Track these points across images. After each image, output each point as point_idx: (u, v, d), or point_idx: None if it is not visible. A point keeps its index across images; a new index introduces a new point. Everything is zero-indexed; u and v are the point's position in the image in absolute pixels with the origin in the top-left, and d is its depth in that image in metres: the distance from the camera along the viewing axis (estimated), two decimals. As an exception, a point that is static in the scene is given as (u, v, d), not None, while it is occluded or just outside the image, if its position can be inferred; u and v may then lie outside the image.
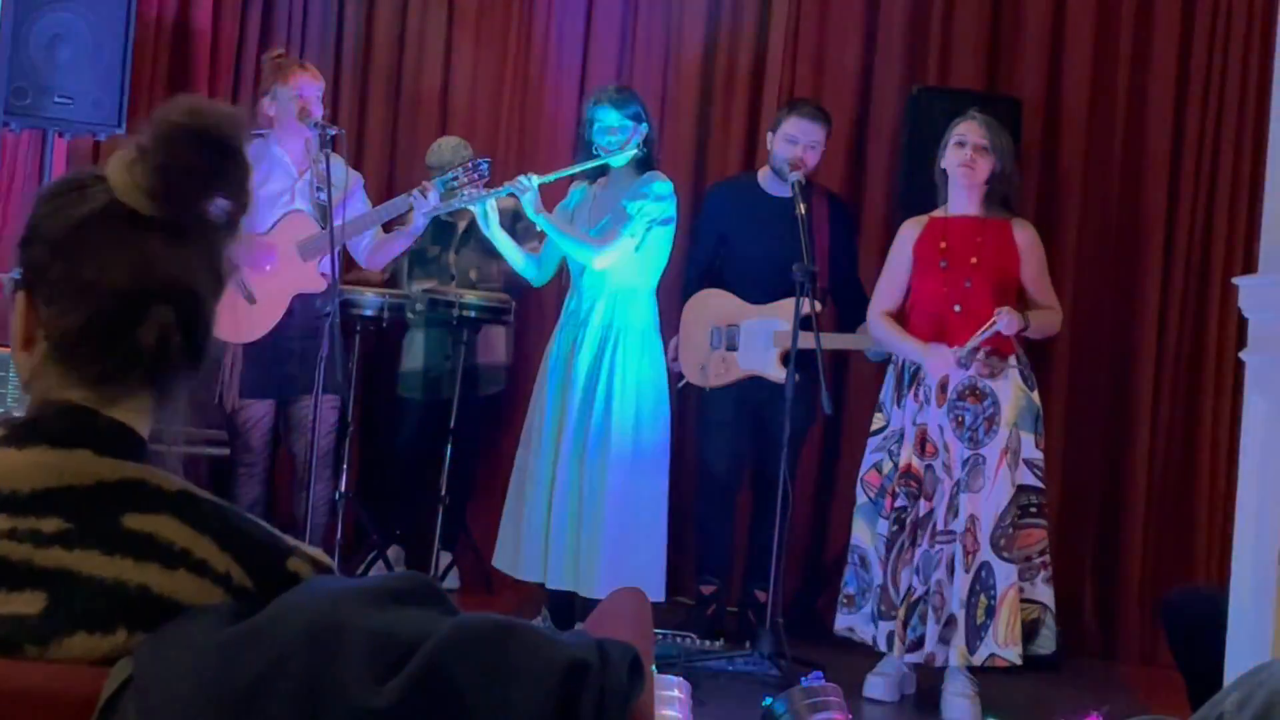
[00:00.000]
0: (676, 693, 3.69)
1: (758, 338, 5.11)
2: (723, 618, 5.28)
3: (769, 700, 3.67)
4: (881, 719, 4.43)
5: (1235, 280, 3.44)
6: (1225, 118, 5.66)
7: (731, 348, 5.14)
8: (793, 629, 4.85)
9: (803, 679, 3.71)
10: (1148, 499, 5.67)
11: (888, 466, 4.61)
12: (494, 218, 4.76)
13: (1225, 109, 5.66)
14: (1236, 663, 3.06)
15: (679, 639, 4.86)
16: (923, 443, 4.52)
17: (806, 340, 4.67)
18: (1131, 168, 5.75)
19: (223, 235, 1.36)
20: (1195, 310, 5.69)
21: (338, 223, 4.68)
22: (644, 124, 4.80)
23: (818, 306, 4.78)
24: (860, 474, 4.71)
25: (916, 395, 4.57)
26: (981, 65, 5.86)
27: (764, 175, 5.25)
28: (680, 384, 5.17)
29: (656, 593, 4.68)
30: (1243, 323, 3.44)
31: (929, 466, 4.50)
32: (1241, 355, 3.37)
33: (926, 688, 4.61)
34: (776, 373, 4.92)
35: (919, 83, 5.74)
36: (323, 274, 4.88)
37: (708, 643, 4.86)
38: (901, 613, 4.46)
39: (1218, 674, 3.10)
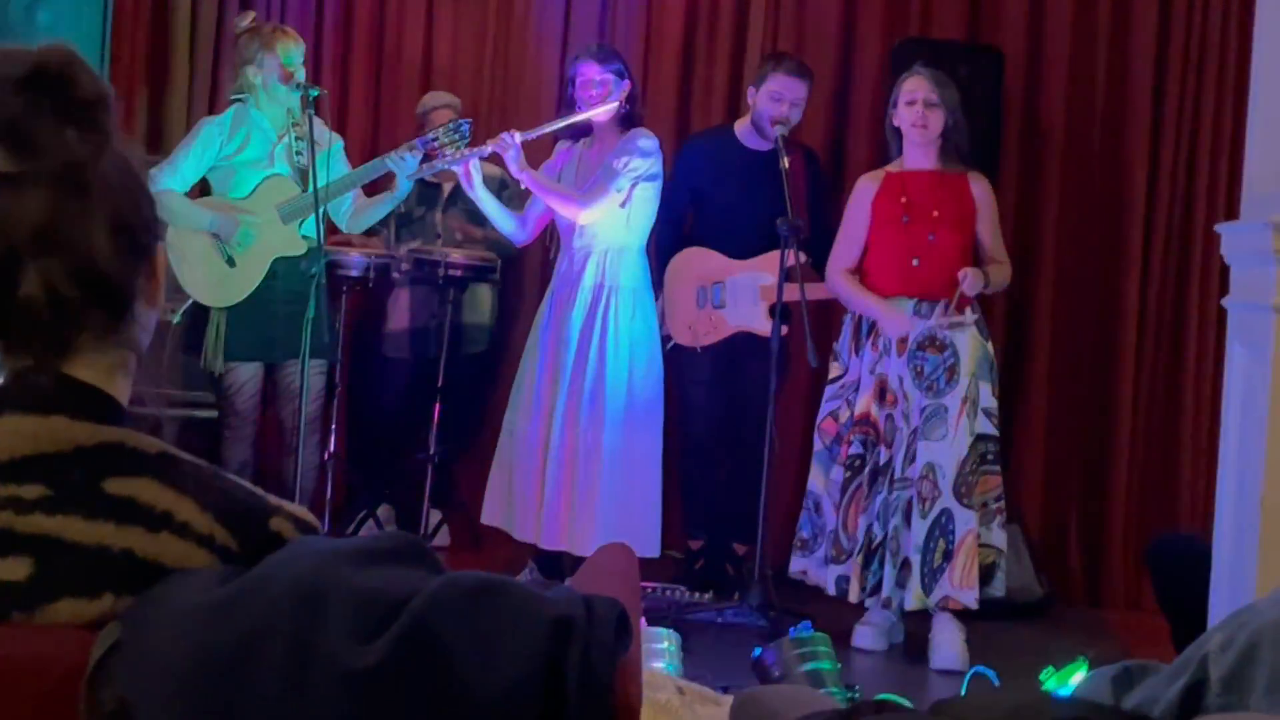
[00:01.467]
0: (666, 644, 3.73)
1: (744, 293, 5.11)
2: (711, 571, 5.32)
3: (758, 651, 3.70)
4: (870, 668, 4.47)
5: (1217, 228, 3.45)
6: (1207, 65, 5.65)
7: (718, 305, 5.15)
8: (781, 581, 4.89)
9: (791, 630, 3.74)
10: (1132, 446, 5.70)
11: (844, 414, 4.66)
12: (477, 177, 4.74)
13: (1207, 56, 5.65)
14: (1220, 607, 3.08)
15: (668, 592, 4.90)
16: (882, 392, 4.58)
17: (792, 293, 4.68)
18: (1114, 117, 5.75)
19: (95, 171, 1.30)
20: (1178, 258, 5.71)
21: (320, 184, 4.66)
22: (626, 80, 4.79)
23: (803, 258, 4.78)
24: (817, 421, 4.75)
25: (875, 345, 4.63)
26: (963, 16, 5.84)
27: (742, 129, 5.24)
28: (669, 345, 5.18)
29: (652, 548, 4.71)
30: (1225, 270, 3.45)
31: (888, 415, 4.56)
32: (1223, 303, 3.38)
33: (914, 635, 4.65)
34: (765, 327, 4.93)
35: (901, 34, 5.73)
36: (304, 237, 4.87)
37: (697, 595, 4.89)
38: (859, 558, 4.52)
39: (1202, 618, 3.12)
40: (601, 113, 4.76)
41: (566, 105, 4.89)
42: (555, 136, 4.99)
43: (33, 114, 1.28)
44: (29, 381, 1.30)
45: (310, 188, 4.66)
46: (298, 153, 4.88)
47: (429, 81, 6.11)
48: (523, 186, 4.83)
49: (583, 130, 4.85)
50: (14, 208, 1.27)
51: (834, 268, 4.79)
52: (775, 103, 5.03)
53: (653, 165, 4.77)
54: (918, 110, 4.60)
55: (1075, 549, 5.75)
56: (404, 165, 4.81)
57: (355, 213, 5.09)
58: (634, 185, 4.73)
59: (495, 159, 4.78)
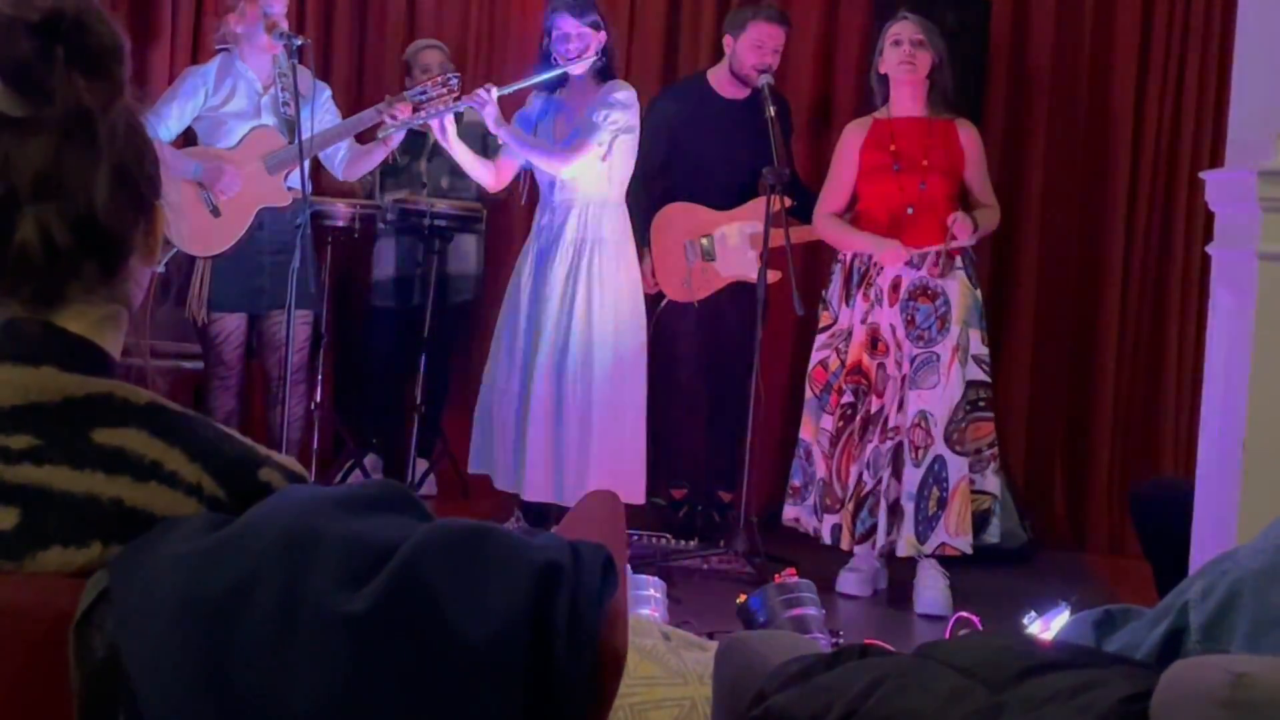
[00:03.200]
0: (652, 592, 3.76)
1: (734, 243, 5.12)
2: (695, 519, 5.35)
3: (744, 597, 3.73)
4: (855, 613, 4.50)
5: (1202, 174, 3.45)
6: (1193, 12, 5.65)
7: (709, 258, 5.15)
8: (767, 528, 4.91)
9: (776, 576, 3.77)
10: (1116, 391, 5.73)
11: (834, 363, 4.67)
12: (452, 129, 4.73)
13: (1193, 4, 5.64)
14: (1202, 551, 3.11)
15: (654, 539, 4.93)
16: (873, 341, 4.58)
17: (778, 239, 4.69)
18: (1100, 63, 5.74)
19: (103, 120, 1.30)
20: (1163, 205, 5.72)
21: (305, 136, 4.64)
22: (602, 31, 4.76)
23: (788, 202, 4.79)
24: (808, 370, 4.77)
25: (866, 294, 4.63)
26: (951, -38, 5.80)
27: (717, 77, 5.22)
28: (664, 303, 5.18)
29: (637, 495, 4.73)
30: (1210, 217, 3.46)
31: (880, 364, 4.57)
32: (1208, 249, 3.39)
33: (898, 581, 4.68)
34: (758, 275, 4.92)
35: (888, -20, 5.69)
36: (290, 189, 4.85)
37: (682, 542, 4.92)
38: (851, 506, 4.54)
39: (1184, 563, 3.15)
40: (578, 67, 4.74)
41: (542, 57, 4.86)
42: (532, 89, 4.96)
43: (44, 59, 1.27)
44: (19, 331, 1.30)
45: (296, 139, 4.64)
46: (284, 104, 4.86)
47: (413, 30, 6.07)
48: (500, 141, 4.81)
49: (559, 81, 4.83)
50: (17, 152, 1.27)
51: (821, 212, 4.79)
52: (757, 50, 5.02)
53: (631, 117, 4.76)
54: (905, 49, 4.59)
55: (1059, 494, 5.79)
56: (393, 116, 4.78)
57: (350, 160, 5.08)
58: (614, 138, 4.71)
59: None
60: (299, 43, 4.74)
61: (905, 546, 4.51)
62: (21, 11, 1.27)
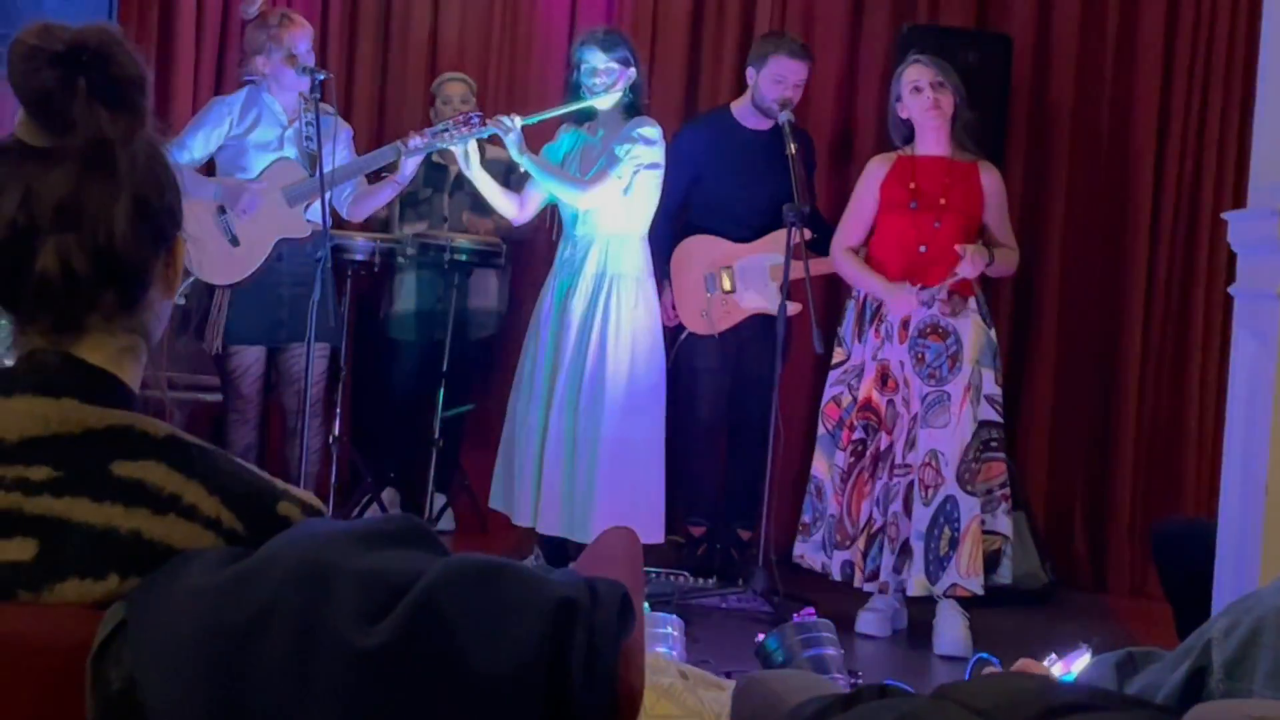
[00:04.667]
0: (670, 630, 3.73)
1: (755, 275, 5.12)
2: (714, 557, 5.33)
3: (762, 637, 3.70)
4: (874, 654, 4.47)
5: (1224, 215, 3.44)
6: (1215, 52, 5.64)
7: (730, 290, 5.15)
8: (785, 567, 4.89)
9: (795, 616, 3.74)
10: (1137, 432, 5.70)
11: (846, 400, 4.66)
12: (474, 158, 4.72)
13: (1215, 45, 5.64)
14: (1224, 593, 3.09)
15: (672, 577, 4.90)
16: (884, 378, 4.58)
17: (798, 273, 4.69)
18: (1122, 104, 5.73)
19: (124, 151, 1.31)
20: (1185, 245, 5.70)
21: (326, 169, 4.67)
22: (631, 68, 4.77)
23: (807, 234, 4.79)
24: (821, 405, 4.76)
25: (878, 331, 4.63)
26: (971, 3, 5.83)
27: (740, 109, 5.23)
28: (684, 335, 5.18)
29: (655, 534, 4.71)
30: (1232, 258, 3.45)
31: (890, 401, 4.56)
32: (1230, 290, 3.38)
33: (918, 622, 4.65)
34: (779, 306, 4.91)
35: (909, 20, 5.71)
36: (309, 221, 4.87)
37: (701, 581, 4.90)
38: (862, 543, 4.53)
39: (1206, 604, 3.13)
40: (604, 100, 4.75)
41: (570, 89, 4.87)
42: (558, 120, 4.97)
43: (66, 90, 1.28)
44: (39, 362, 1.30)
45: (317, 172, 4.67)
46: (307, 137, 4.89)
47: (436, 62, 6.11)
48: (522, 170, 4.82)
49: (587, 114, 4.85)
50: (38, 181, 1.28)
51: (838, 245, 4.79)
52: (778, 85, 5.03)
53: (656, 154, 4.76)
54: (927, 96, 4.59)
55: (1080, 535, 5.75)
56: (409, 151, 4.79)
57: (355, 199, 5.09)
58: (636, 173, 4.72)
59: (498, 140, 4.78)
60: (321, 77, 4.78)
61: (915, 586, 4.48)
62: (45, 42, 1.28)
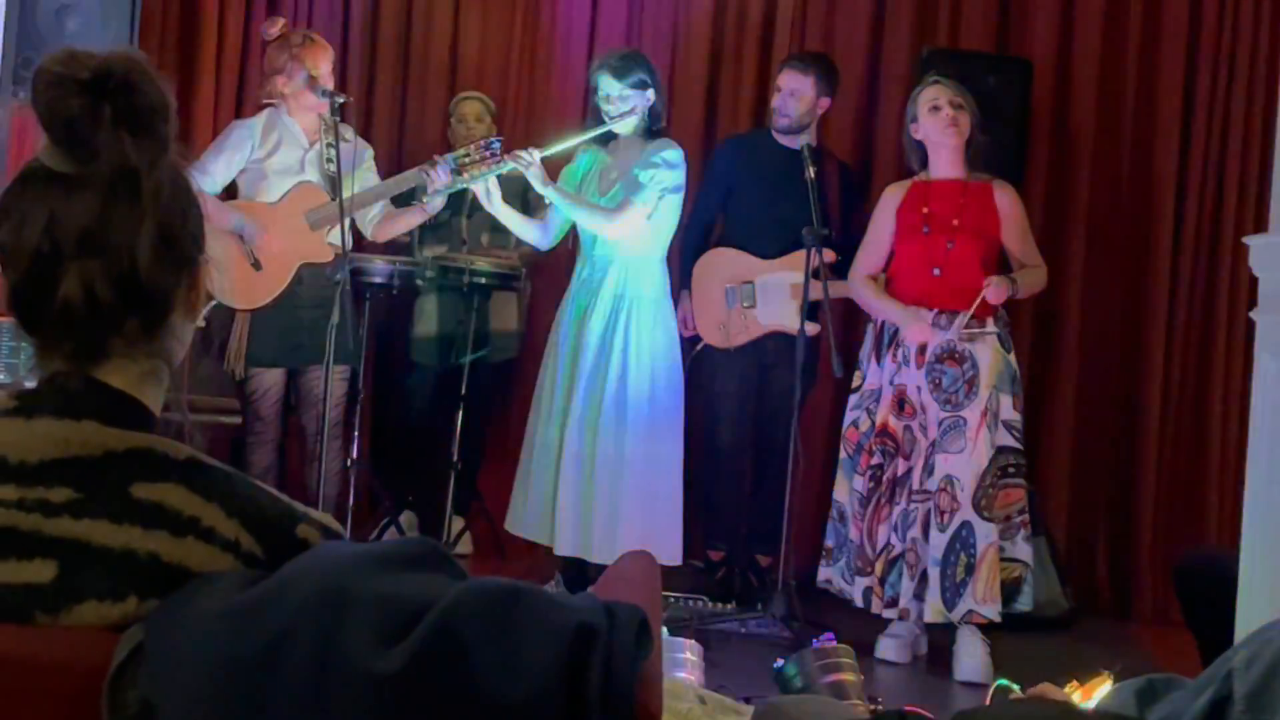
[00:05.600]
0: (689, 655, 3.72)
1: (775, 292, 5.12)
2: (733, 581, 5.31)
3: (781, 662, 3.69)
4: (894, 679, 4.45)
5: (1246, 239, 3.43)
6: (1236, 76, 5.63)
7: (749, 305, 5.15)
8: (805, 592, 4.87)
9: (814, 641, 3.72)
10: (1159, 458, 5.67)
11: (865, 424, 4.65)
12: (496, 194, 4.72)
13: (1236, 67, 5.63)
14: (1247, 621, 3.06)
15: (690, 602, 4.89)
16: (900, 403, 4.57)
17: (817, 293, 4.68)
18: (1143, 128, 5.72)
19: (148, 178, 1.32)
20: (1206, 270, 5.68)
21: (347, 194, 4.69)
22: (649, 90, 4.77)
23: (831, 256, 4.79)
24: (842, 430, 4.75)
25: (895, 355, 4.61)
26: (992, 26, 5.83)
27: (776, 130, 5.27)
28: (699, 347, 5.18)
29: (673, 556, 4.69)
30: (1253, 282, 3.43)
31: (907, 427, 4.55)
32: (1252, 315, 3.36)
33: (938, 648, 4.62)
34: (797, 325, 4.90)
35: (929, 44, 5.71)
36: (331, 245, 4.89)
37: (719, 605, 4.88)
38: (879, 569, 4.52)
39: (1229, 634, 3.10)
40: (621, 126, 4.76)
41: (591, 113, 4.88)
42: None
43: (91, 117, 1.29)
44: (61, 385, 1.31)
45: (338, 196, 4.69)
46: (328, 160, 4.91)
47: (455, 83, 6.13)
48: (547, 201, 4.83)
49: (606, 135, 4.85)
50: (63, 208, 1.29)
51: (856, 273, 4.79)
52: (776, 93, 5.13)
53: (678, 177, 4.76)
54: (945, 114, 4.59)
55: (1102, 562, 5.72)
56: (433, 179, 4.80)
57: (382, 221, 5.11)
58: (661, 197, 4.72)
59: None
60: (341, 100, 4.80)
61: (930, 612, 4.45)
62: (71, 69, 1.29)
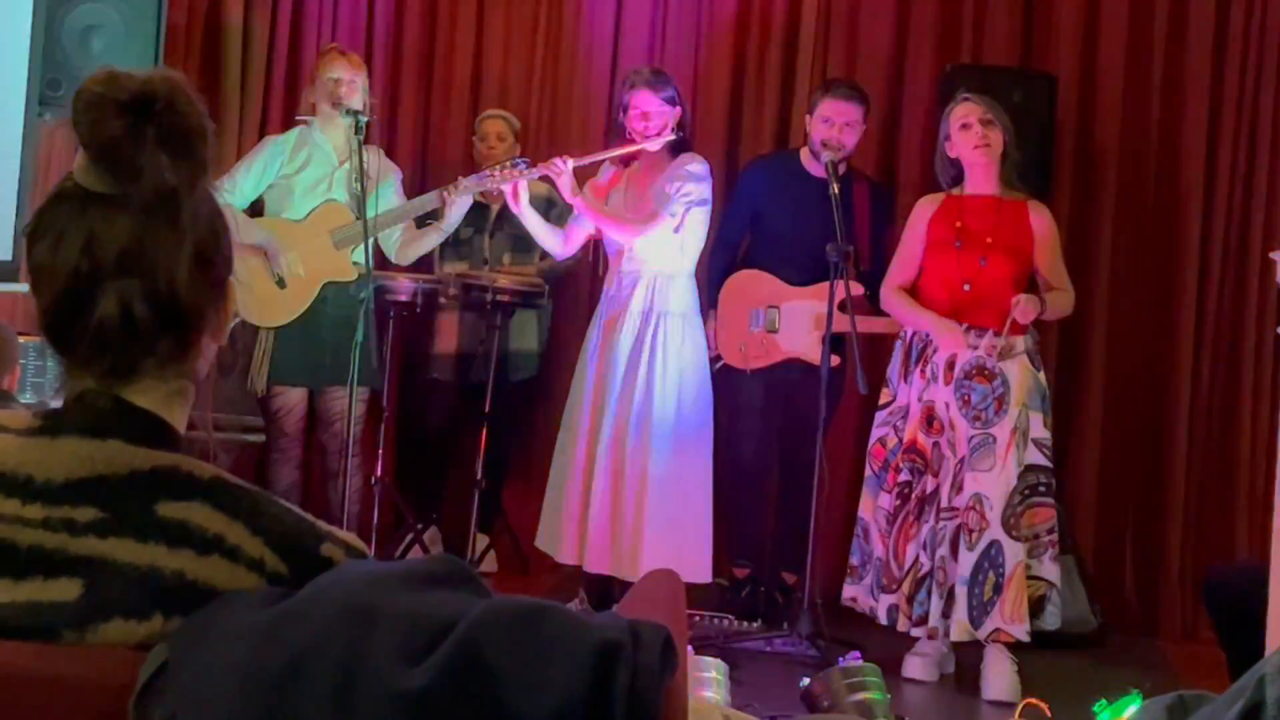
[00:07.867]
0: (714, 674, 3.71)
1: (799, 320, 5.11)
2: (758, 599, 5.29)
3: (807, 680, 3.67)
4: (921, 698, 4.42)
5: (1274, 255, 3.41)
6: (1263, 90, 5.61)
7: (772, 329, 5.14)
8: (831, 610, 4.85)
9: (841, 659, 3.71)
10: (1188, 474, 5.64)
11: (892, 441, 4.63)
12: (524, 196, 4.76)
13: (1263, 82, 5.61)
14: (1277, 636, 3.04)
15: (716, 620, 4.87)
16: (929, 419, 4.54)
17: (843, 324, 4.67)
18: (1168, 142, 5.70)
19: (187, 200, 1.32)
20: (1234, 285, 5.65)
21: (371, 215, 4.71)
22: (678, 105, 4.79)
23: (857, 289, 4.77)
24: (868, 447, 4.73)
25: (924, 372, 4.59)
26: (1015, 42, 5.82)
27: (805, 154, 5.24)
28: (718, 365, 5.17)
29: (703, 573, 4.68)
30: (1281, 297, 3.42)
31: (935, 443, 4.52)
32: (1279, 330, 3.34)
33: (966, 666, 4.60)
34: (818, 355, 4.89)
35: (952, 61, 5.71)
36: (355, 264, 4.90)
37: (745, 624, 4.87)
38: (908, 587, 4.50)
39: (1259, 650, 3.08)
40: (655, 144, 4.77)
41: (616, 131, 4.89)
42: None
43: (133, 138, 1.29)
44: (88, 404, 1.31)
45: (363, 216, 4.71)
46: (356, 179, 4.93)
47: (478, 102, 6.15)
48: (576, 211, 4.84)
49: (631, 154, 4.87)
50: (103, 228, 1.29)
51: (888, 285, 4.77)
52: (825, 125, 5.03)
53: (705, 190, 4.77)
54: (976, 131, 4.57)
55: (1130, 579, 5.68)
56: (454, 199, 4.82)
57: (404, 244, 5.13)
58: (687, 210, 4.73)
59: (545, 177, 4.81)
60: (366, 119, 4.82)
61: (958, 631, 4.43)
62: (112, 90, 1.29)
